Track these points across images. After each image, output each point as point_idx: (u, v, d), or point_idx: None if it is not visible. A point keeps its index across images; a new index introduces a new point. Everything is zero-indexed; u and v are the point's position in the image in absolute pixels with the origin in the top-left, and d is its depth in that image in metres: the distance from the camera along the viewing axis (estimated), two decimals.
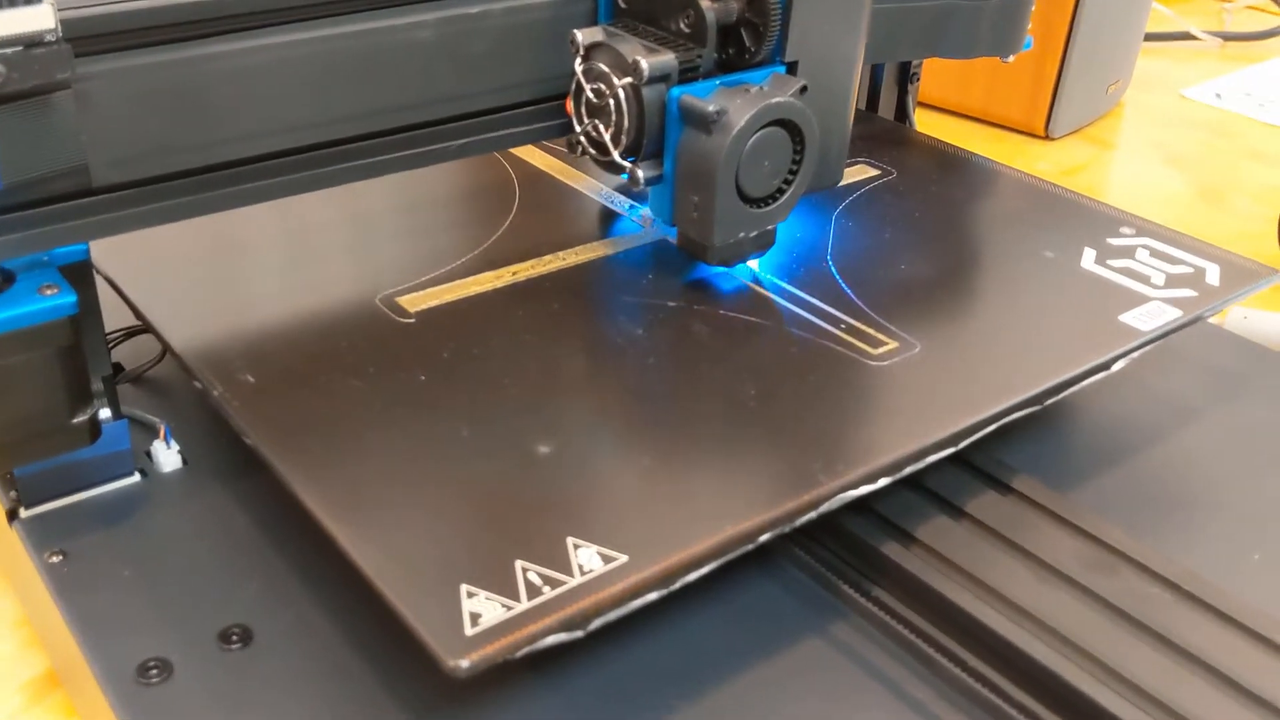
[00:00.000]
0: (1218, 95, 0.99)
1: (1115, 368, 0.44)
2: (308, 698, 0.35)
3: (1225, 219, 0.79)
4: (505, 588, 0.32)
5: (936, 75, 0.90)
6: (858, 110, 0.66)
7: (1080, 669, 0.35)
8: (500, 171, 0.57)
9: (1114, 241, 0.52)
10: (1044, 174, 0.84)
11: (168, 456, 0.44)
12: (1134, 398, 0.50)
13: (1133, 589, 0.38)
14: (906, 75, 0.65)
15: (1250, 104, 0.98)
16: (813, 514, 0.36)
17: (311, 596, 0.38)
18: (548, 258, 0.49)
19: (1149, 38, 1.03)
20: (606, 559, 0.33)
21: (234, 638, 0.37)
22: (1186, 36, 1.10)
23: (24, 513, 0.41)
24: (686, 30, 0.44)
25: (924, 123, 0.89)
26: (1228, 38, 1.11)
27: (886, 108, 0.66)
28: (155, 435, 0.44)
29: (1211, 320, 0.57)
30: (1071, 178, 0.84)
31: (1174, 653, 0.36)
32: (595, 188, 0.56)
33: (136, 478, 0.43)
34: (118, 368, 0.48)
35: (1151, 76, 1.03)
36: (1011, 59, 0.57)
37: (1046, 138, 0.89)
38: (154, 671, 0.36)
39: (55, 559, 0.39)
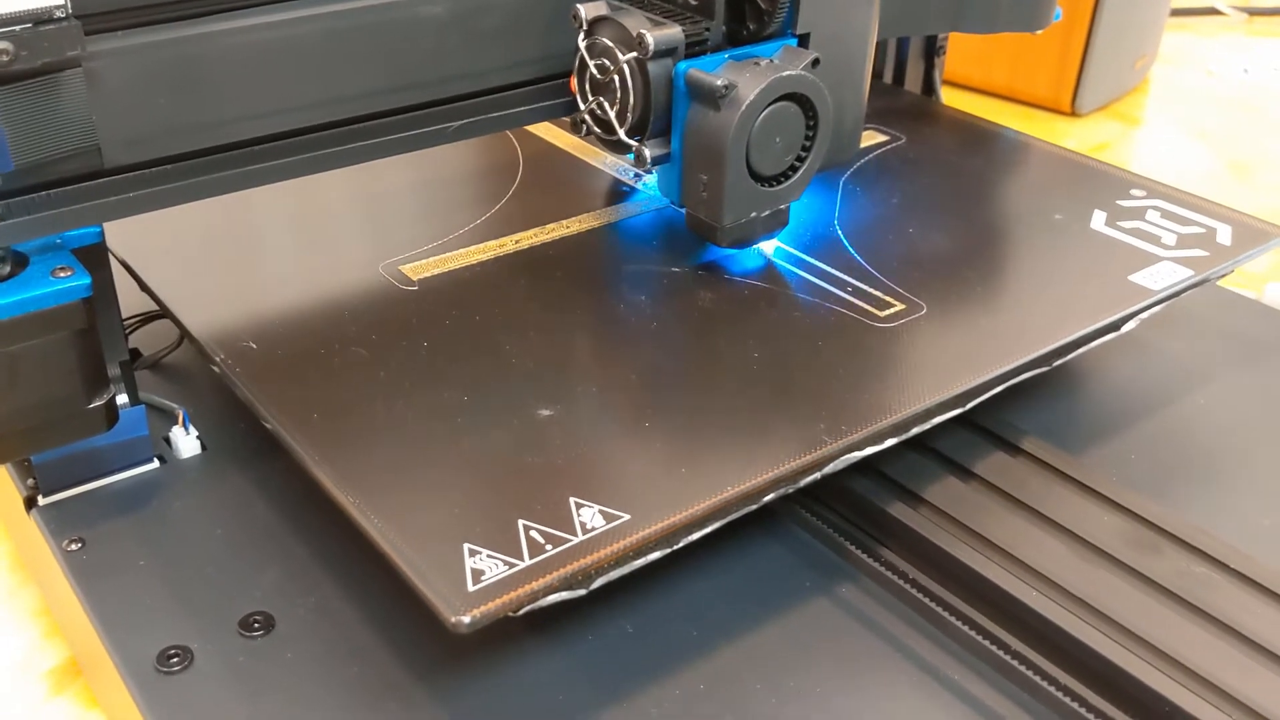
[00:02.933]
0: (1245, 70, 0.98)
1: (1126, 328, 0.44)
2: (330, 683, 0.35)
3: (1253, 194, 0.78)
4: (507, 546, 0.32)
5: (960, 53, 0.89)
6: (883, 83, 0.66)
7: (1091, 626, 0.35)
8: (505, 143, 0.57)
9: (1124, 203, 0.52)
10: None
11: (186, 442, 0.44)
12: (1154, 365, 0.50)
13: (1144, 546, 0.38)
14: (933, 48, 0.65)
15: (1278, 78, 0.96)
16: (817, 474, 0.36)
17: (333, 581, 0.38)
18: (550, 226, 0.49)
19: (1175, 12, 1.02)
20: (609, 517, 0.33)
21: (255, 625, 0.37)
22: (1213, 11, 1.09)
23: (42, 500, 0.41)
24: (693, 2, 0.43)
25: (949, 100, 0.88)
26: (1254, 12, 1.10)
27: (914, 81, 0.66)
28: (174, 421, 0.44)
29: (1246, 294, 0.56)
30: (1098, 154, 0.83)
31: (1181, 606, 0.36)
32: (600, 158, 0.56)
33: (155, 464, 0.43)
34: (135, 353, 0.48)
35: (1178, 51, 1.02)
36: (1040, 32, 0.56)
37: (1073, 114, 0.88)
38: (175, 660, 0.35)
39: (74, 546, 0.39)
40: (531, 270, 0.46)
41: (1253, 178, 0.80)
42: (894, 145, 0.57)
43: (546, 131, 0.58)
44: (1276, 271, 0.67)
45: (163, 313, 0.46)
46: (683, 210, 0.46)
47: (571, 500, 0.34)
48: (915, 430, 0.38)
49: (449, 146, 0.45)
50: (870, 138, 0.57)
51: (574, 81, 0.45)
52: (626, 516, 0.33)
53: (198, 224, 0.48)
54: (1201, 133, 0.87)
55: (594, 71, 0.44)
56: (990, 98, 0.92)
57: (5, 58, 0.33)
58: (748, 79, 0.41)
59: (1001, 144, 0.58)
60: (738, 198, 0.43)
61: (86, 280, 0.37)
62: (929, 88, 0.65)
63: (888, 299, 0.44)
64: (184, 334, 0.43)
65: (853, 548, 0.39)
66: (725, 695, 0.35)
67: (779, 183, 0.44)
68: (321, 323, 0.43)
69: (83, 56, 0.35)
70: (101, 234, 0.39)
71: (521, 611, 0.31)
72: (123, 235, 0.45)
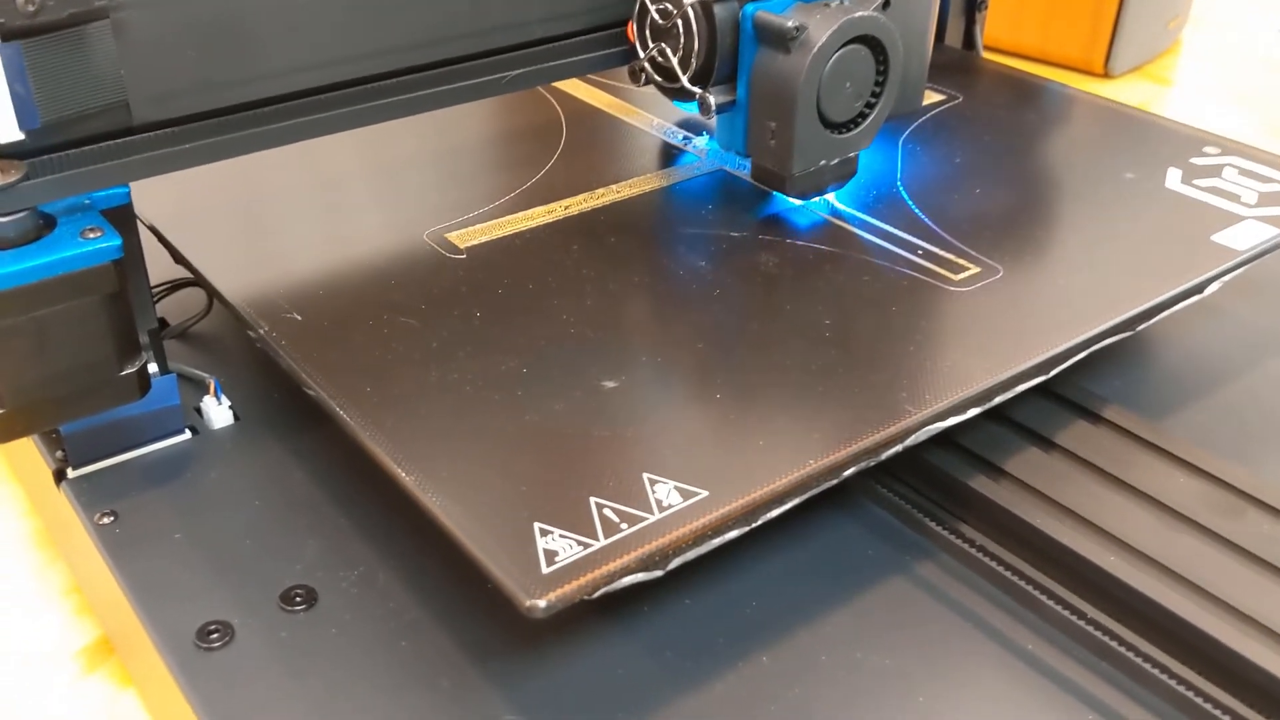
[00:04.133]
0: (1279, 29, 0.97)
1: (1210, 290, 0.43)
2: (377, 658, 0.34)
3: None
4: (581, 525, 0.31)
5: (991, 15, 0.87)
6: None
7: (1176, 593, 0.34)
8: (546, 107, 0.56)
9: (1198, 161, 0.51)
10: None
11: (219, 412, 0.43)
12: (1230, 329, 0.49)
13: (1228, 510, 0.38)
14: (974, 3, 0.64)
15: None
16: (899, 447, 0.35)
17: (377, 554, 0.37)
18: (600, 191, 0.48)
19: None
20: (685, 494, 0.32)
21: (297, 599, 0.36)
22: None
23: (71, 473, 0.40)
24: None
25: None
26: None
27: (954, 37, 0.65)
28: (205, 391, 0.43)
29: None
30: None
31: (1266, 569, 0.35)
32: (646, 120, 0.55)
33: (187, 435, 0.42)
34: (163, 323, 0.47)
35: (1210, 11, 1.00)
36: None
37: (1105, 76, 0.87)
38: (214, 635, 0.35)
39: (106, 520, 0.39)
40: (584, 236, 0.45)
41: None
42: (951, 104, 0.56)
43: (586, 94, 0.57)
44: None
45: (192, 281, 0.46)
46: (740, 171, 0.45)
47: (645, 476, 0.32)
48: (998, 399, 0.37)
49: (489, 111, 0.44)
50: (927, 97, 0.56)
51: (632, 29, 0.45)
52: (704, 493, 0.32)
53: (232, 190, 0.48)
54: (1236, 94, 0.87)
55: (655, 16, 0.43)
56: (1022, 59, 0.90)
57: (31, 8, 0.33)
58: (819, 20, 0.41)
59: (1057, 99, 0.57)
60: (808, 145, 0.43)
61: (117, 241, 0.36)
62: (970, 43, 0.64)
63: (961, 261, 0.43)
64: (217, 302, 0.42)
65: (929, 521, 0.39)
66: (797, 674, 0.34)
67: (849, 129, 0.44)
68: (366, 292, 0.42)
69: (110, 7, 0.34)
70: (129, 195, 0.38)
71: (597, 594, 0.30)
72: (154, 201, 0.44)
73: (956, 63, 0.62)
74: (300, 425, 0.42)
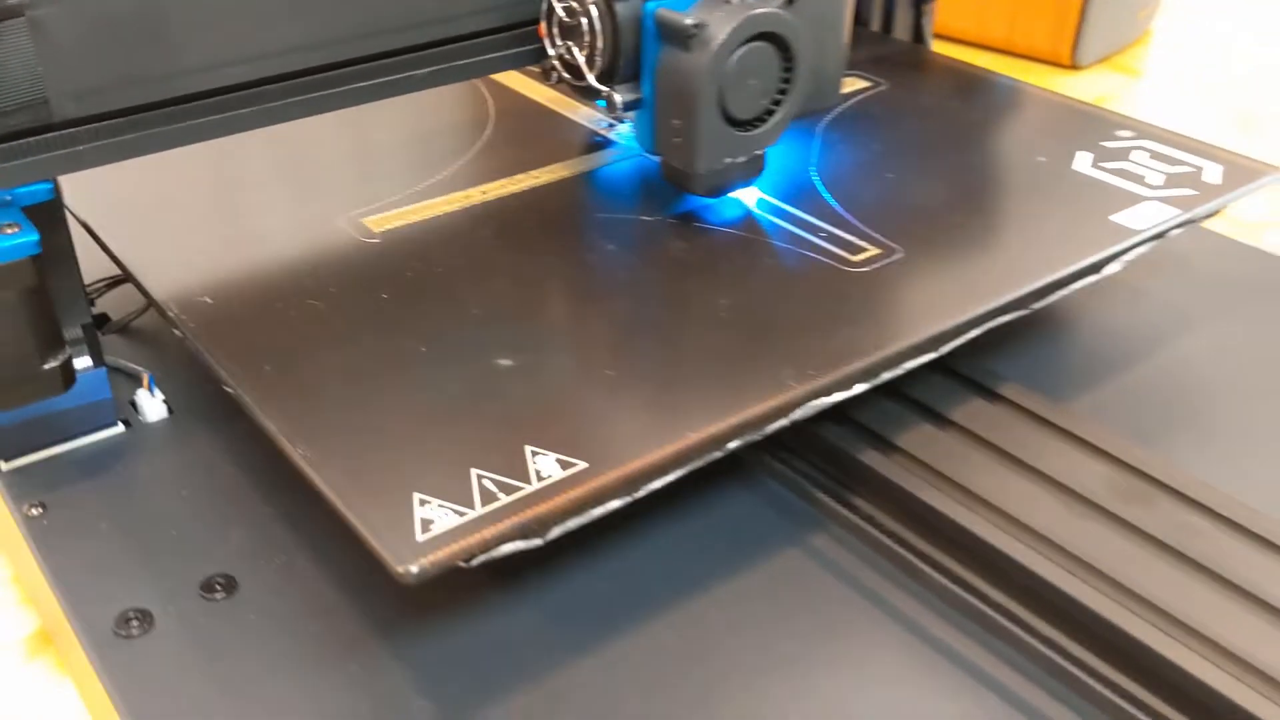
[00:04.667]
0: (1250, 19, 0.97)
1: (1109, 270, 0.43)
2: (292, 643, 0.35)
3: (1260, 146, 0.77)
4: (459, 495, 0.32)
5: (957, 5, 0.88)
6: (870, 31, 0.65)
7: (1073, 575, 0.35)
8: (476, 97, 0.56)
9: (1109, 144, 0.51)
10: None
11: (152, 405, 0.43)
12: (1147, 311, 0.50)
13: (1129, 493, 0.38)
14: None
15: None
16: (784, 420, 0.36)
17: (297, 541, 0.38)
18: (519, 177, 0.49)
19: None
20: (565, 465, 0.33)
21: (217, 587, 0.37)
22: None
23: (3, 466, 0.41)
24: None
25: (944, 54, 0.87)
26: None
27: (902, 30, 0.65)
28: (139, 384, 0.44)
29: (1249, 242, 0.55)
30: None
31: (1167, 553, 0.36)
32: (575, 110, 0.55)
33: (120, 428, 0.43)
34: (103, 318, 0.48)
35: (1182, 0, 1.00)
36: None
37: (1073, 68, 0.87)
38: (134, 623, 0.35)
39: (35, 511, 0.39)
40: (498, 221, 0.45)
41: (1257, 130, 0.79)
42: (875, 91, 0.57)
43: (521, 85, 0.58)
44: (1269, 220, 0.66)
45: (125, 275, 0.46)
46: (658, 159, 0.46)
47: (527, 449, 0.33)
48: (886, 376, 0.38)
49: (418, 102, 0.45)
50: (851, 84, 0.57)
51: (542, 27, 0.45)
52: (583, 464, 0.33)
53: (161, 183, 0.48)
54: (1205, 84, 0.86)
55: (561, 14, 0.44)
56: (988, 51, 0.91)
57: None
58: (720, 18, 0.41)
59: (987, 89, 0.58)
60: (711, 143, 0.43)
61: (34, 237, 0.36)
62: (918, 36, 0.64)
63: (863, 244, 0.44)
64: (142, 292, 0.43)
65: (824, 496, 0.39)
66: (694, 644, 0.35)
67: (754, 127, 0.44)
68: (279, 277, 0.42)
69: (26, 5, 0.35)
70: (55, 190, 0.39)
71: (475, 561, 0.30)
72: (84, 197, 0.45)
73: (896, 54, 0.62)
74: (230, 418, 0.43)
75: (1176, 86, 0.86)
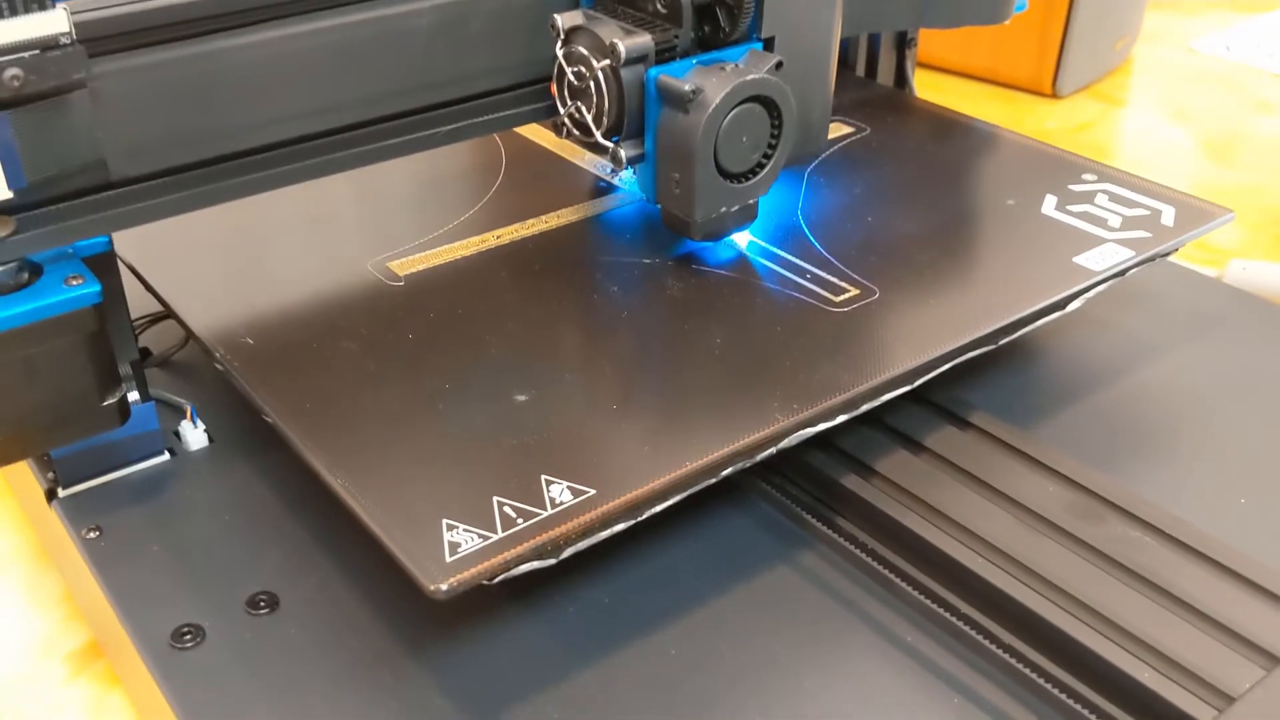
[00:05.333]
0: (1227, 47, 0.99)
1: (1071, 307, 0.46)
2: (329, 657, 0.37)
3: (1232, 171, 0.79)
4: (482, 520, 0.35)
5: (941, 36, 0.90)
6: (855, 76, 0.68)
7: (1030, 589, 0.38)
8: (489, 142, 0.59)
9: (1075, 188, 0.54)
10: (1052, 132, 0.85)
11: (195, 435, 0.46)
12: (1110, 341, 0.52)
13: (1083, 513, 0.41)
14: (904, 41, 0.66)
15: (1260, 55, 0.98)
16: (773, 449, 0.39)
17: (332, 563, 0.41)
18: (530, 221, 0.51)
19: None
20: (576, 493, 0.36)
21: (261, 604, 0.39)
22: None
23: (62, 492, 0.43)
24: (663, 10, 0.45)
25: (930, 85, 0.90)
26: None
27: (885, 74, 0.67)
28: (183, 415, 0.46)
29: (1207, 272, 0.58)
30: (1080, 135, 0.85)
31: (1115, 568, 0.38)
32: (580, 156, 0.58)
33: (166, 456, 0.45)
34: (145, 352, 0.50)
35: (1162, 29, 1.03)
36: (1008, 20, 0.58)
37: (1054, 96, 0.90)
38: (188, 637, 0.38)
39: (92, 535, 0.42)
40: (512, 264, 0.48)
41: (1232, 155, 0.82)
42: (858, 136, 0.59)
43: (529, 130, 0.60)
44: (1243, 247, 0.69)
45: (169, 314, 0.49)
46: (658, 205, 0.49)
47: (543, 478, 0.36)
48: (866, 407, 0.41)
49: (437, 150, 0.47)
50: (836, 129, 0.59)
51: (554, 87, 0.48)
52: (592, 491, 0.36)
53: (199, 228, 0.50)
54: (1182, 112, 0.89)
55: (571, 78, 0.46)
56: (972, 80, 0.93)
57: (16, 83, 0.35)
58: (714, 83, 0.44)
59: (964, 133, 0.60)
60: (708, 194, 0.45)
61: (97, 288, 0.39)
62: (901, 80, 0.67)
63: (844, 285, 0.46)
64: (186, 331, 0.46)
65: (810, 518, 0.42)
66: (692, 656, 0.37)
67: (747, 179, 0.46)
68: (314, 318, 0.45)
69: (87, 78, 0.37)
70: (110, 243, 0.41)
71: (496, 580, 0.34)
72: (129, 240, 0.47)
73: (879, 98, 0.64)
74: (267, 446, 0.45)
75: (1153, 114, 0.88)
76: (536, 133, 0.60)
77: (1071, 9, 0.85)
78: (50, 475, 0.44)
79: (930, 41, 0.91)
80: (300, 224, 0.52)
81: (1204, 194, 0.53)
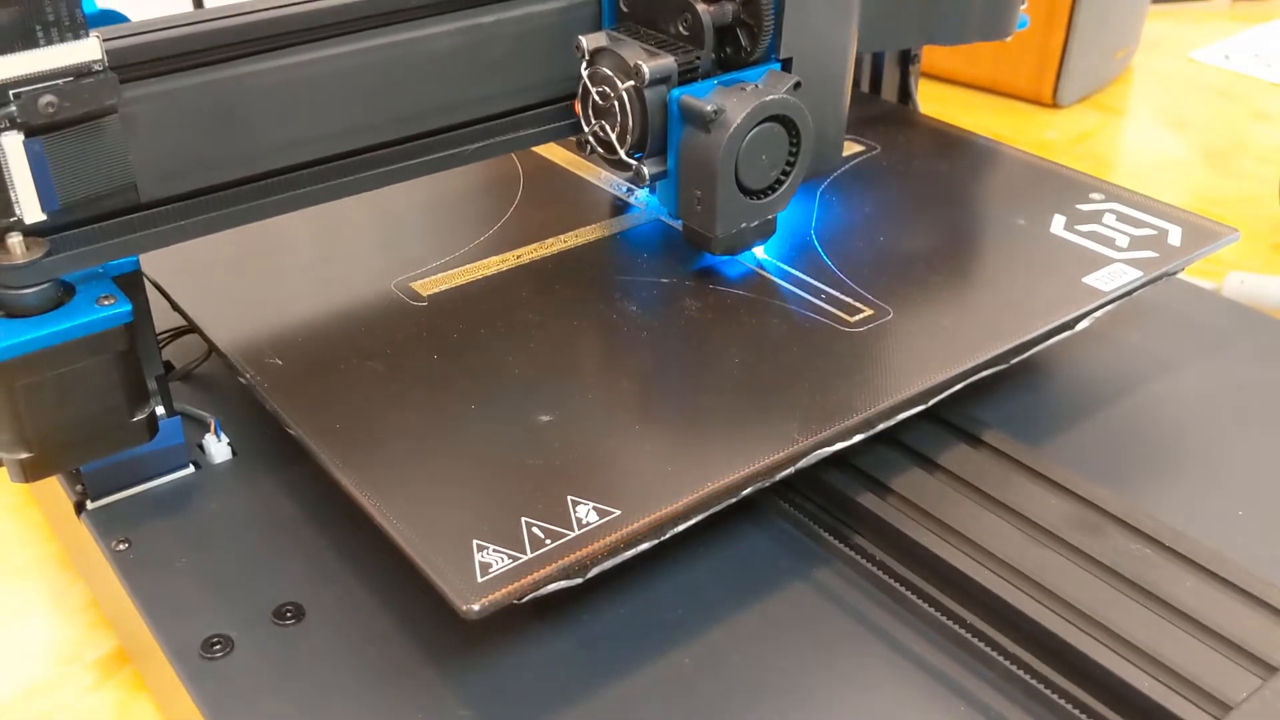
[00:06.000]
0: (1226, 57, 1.00)
1: (1080, 327, 0.47)
2: (354, 666, 0.38)
3: (1229, 181, 0.80)
4: (512, 541, 0.35)
5: (943, 48, 0.91)
6: (860, 92, 0.69)
7: (1039, 603, 0.38)
8: (506, 161, 0.60)
9: (1083, 207, 0.54)
10: (1053, 142, 0.86)
11: (219, 449, 0.47)
12: (1114, 357, 0.53)
13: (1089, 528, 0.41)
14: (908, 57, 0.67)
15: (1258, 65, 0.99)
16: (791, 469, 0.39)
17: (354, 574, 0.42)
18: (550, 241, 0.52)
19: (1157, 0, 1.04)
20: (602, 513, 0.36)
21: (288, 614, 0.40)
22: None
23: (90, 505, 0.44)
24: (685, 33, 0.47)
25: (932, 95, 0.90)
26: None
27: (890, 89, 0.68)
28: (206, 429, 0.47)
29: (1206, 285, 0.59)
30: (1080, 145, 0.86)
31: (1121, 582, 0.39)
32: (595, 174, 0.59)
33: (191, 469, 0.46)
34: (168, 366, 0.51)
35: (1161, 39, 1.04)
36: (1008, 39, 0.59)
37: (1055, 106, 0.91)
38: (217, 646, 0.39)
39: (121, 546, 0.42)
40: (533, 283, 0.49)
41: (1231, 165, 0.82)
42: (869, 155, 0.60)
43: (545, 149, 0.61)
44: (1239, 259, 0.70)
45: (192, 329, 0.49)
46: (677, 222, 0.49)
47: (569, 498, 0.37)
48: (881, 426, 0.41)
49: (456, 168, 0.48)
50: (847, 147, 0.60)
51: (578, 105, 0.49)
52: (618, 512, 0.36)
53: (223, 248, 0.51)
54: (1181, 121, 0.90)
55: (596, 98, 0.47)
56: (972, 90, 0.94)
57: (51, 109, 0.36)
58: (735, 103, 0.45)
59: (971, 151, 0.61)
60: (728, 210, 0.47)
61: (128, 308, 0.40)
62: (905, 96, 0.68)
63: (858, 304, 0.47)
64: (213, 349, 0.46)
65: (827, 535, 0.43)
66: (710, 670, 0.38)
67: (766, 195, 0.48)
68: (339, 338, 0.46)
69: (119, 104, 0.38)
70: (138, 263, 0.42)
71: (525, 599, 0.34)
72: (154, 258, 0.47)
73: (885, 115, 0.65)
74: (290, 460, 0.46)
75: (1152, 123, 0.89)
76: (552, 150, 0.61)
77: (1072, 20, 0.86)
78: (79, 488, 0.44)
79: (932, 52, 0.92)
80: (321, 244, 0.53)
81: (1203, 204, 0.54)
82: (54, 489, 0.46)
